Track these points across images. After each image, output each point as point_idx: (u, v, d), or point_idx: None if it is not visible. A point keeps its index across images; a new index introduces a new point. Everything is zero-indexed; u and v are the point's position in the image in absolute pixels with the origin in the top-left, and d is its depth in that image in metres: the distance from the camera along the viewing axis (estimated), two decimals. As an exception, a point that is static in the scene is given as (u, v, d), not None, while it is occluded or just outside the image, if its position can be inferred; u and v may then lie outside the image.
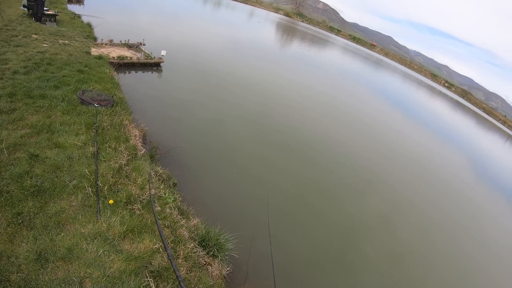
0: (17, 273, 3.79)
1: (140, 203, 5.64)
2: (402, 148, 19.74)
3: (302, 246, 7.96)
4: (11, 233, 4.26)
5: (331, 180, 11.89)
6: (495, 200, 19.29)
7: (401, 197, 13.01)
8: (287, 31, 70.72)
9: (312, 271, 7.30)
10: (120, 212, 5.20)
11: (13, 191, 4.87)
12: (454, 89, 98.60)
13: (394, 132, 22.81)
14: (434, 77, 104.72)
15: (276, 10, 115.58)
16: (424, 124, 30.21)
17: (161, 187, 6.55)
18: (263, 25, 66.67)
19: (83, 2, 27.99)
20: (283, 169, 11.21)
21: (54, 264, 4.01)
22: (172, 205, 6.15)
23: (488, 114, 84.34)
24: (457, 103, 71.65)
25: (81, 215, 4.88)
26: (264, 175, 10.31)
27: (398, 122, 26.58)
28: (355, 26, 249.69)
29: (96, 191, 5.39)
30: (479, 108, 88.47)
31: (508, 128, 74.34)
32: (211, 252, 5.55)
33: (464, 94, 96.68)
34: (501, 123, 78.22)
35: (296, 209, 9.32)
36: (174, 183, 7.76)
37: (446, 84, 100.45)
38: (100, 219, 4.91)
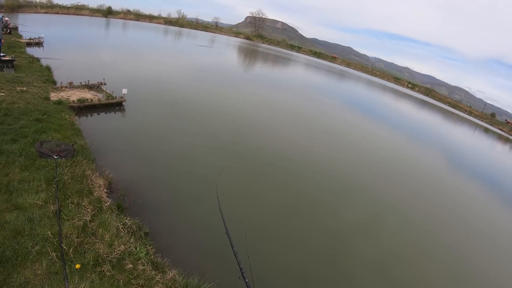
0: None
1: (110, 263, 5.51)
2: (377, 152, 20.65)
3: (292, 266, 8.07)
4: (-28, 315, 4.07)
5: (312, 196, 12.11)
6: (473, 188, 20.46)
7: (387, 196, 13.76)
8: (249, 54, 72.44)
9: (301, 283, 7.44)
10: (89, 277, 5.06)
11: (-28, 265, 4.68)
12: (417, 88, 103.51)
13: (367, 138, 23.82)
14: (397, 80, 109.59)
15: (237, 34, 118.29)
16: (394, 127, 31.66)
17: (131, 241, 6.39)
18: (225, 50, 67.98)
19: (42, 45, 27.69)
20: (260, 195, 11.32)
21: None
22: (145, 259, 5.99)
23: (453, 107, 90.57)
24: (423, 102, 75.27)
25: (48, 285, 4.71)
26: (242, 205, 10.31)
27: (368, 128, 27.72)
28: (315, 41, 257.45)
29: (61, 256, 5.24)
30: (445, 103, 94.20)
31: (475, 118, 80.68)
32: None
33: (428, 92, 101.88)
34: (468, 114, 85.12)
35: (278, 224, 9.56)
36: (145, 233, 7.55)
37: (410, 85, 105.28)
38: (69, 287, 4.75)
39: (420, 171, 19.39)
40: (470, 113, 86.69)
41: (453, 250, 11.39)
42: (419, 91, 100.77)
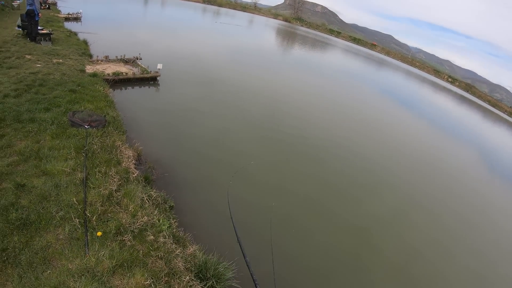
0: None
1: (131, 233, 5.50)
2: (410, 145, 19.78)
3: (312, 256, 7.83)
4: (-5, 272, 4.15)
5: (341, 185, 11.79)
6: (507, 192, 19.26)
7: (416, 192, 13.14)
8: (288, 37, 71.33)
9: (325, 282, 7.13)
10: (110, 245, 5.06)
11: (-3, 226, 4.77)
12: (457, 83, 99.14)
13: (401, 130, 22.91)
14: (437, 72, 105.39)
15: (275, 16, 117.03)
16: (430, 121, 30.27)
17: (155, 213, 6.37)
18: (264, 32, 67.15)
19: (80, 20, 28.28)
20: (291, 178, 11.14)
21: (38, 306, 3.89)
22: (166, 232, 5.96)
23: (493, 106, 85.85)
24: (462, 98, 71.97)
25: (68, 250, 4.75)
26: (268, 190, 10.13)
27: (404, 120, 26.64)
28: (354, 27, 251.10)
29: (84, 223, 5.27)
30: (484, 101, 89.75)
31: None
32: (209, 284, 5.33)
33: (468, 88, 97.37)
34: (508, 115, 79.64)
35: (304, 219, 9.19)
36: (170, 206, 7.57)
37: (450, 79, 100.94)
38: (88, 253, 4.77)
39: (453, 168, 18.44)
40: (510, 114, 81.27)
41: (480, 253, 10.69)
42: (459, 86, 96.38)
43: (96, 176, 6.62)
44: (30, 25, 16.09)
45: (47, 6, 29.41)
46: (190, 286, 5.03)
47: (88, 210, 5.56)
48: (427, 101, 43.43)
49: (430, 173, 15.84)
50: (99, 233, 5.17)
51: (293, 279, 6.94)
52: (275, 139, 13.76)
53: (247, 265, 4.95)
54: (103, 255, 4.81)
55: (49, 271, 4.35)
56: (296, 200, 9.84)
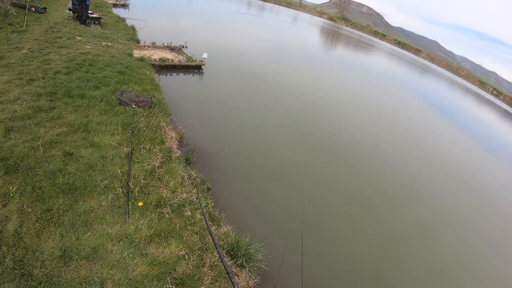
0: (40, 268, 3.90)
1: (170, 207, 5.65)
2: (448, 157, 18.71)
3: (337, 258, 7.64)
4: (39, 228, 4.40)
5: (373, 190, 11.35)
6: None
7: (446, 209, 12.29)
8: (331, 36, 70.19)
9: (346, 285, 7.01)
10: (149, 215, 5.22)
11: (45, 188, 5.05)
12: (502, 97, 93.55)
13: (440, 141, 21.69)
14: (481, 84, 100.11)
15: (320, 14, 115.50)
16: (471, 134, 28.65)
17: (193, 191, 6.51)
18: (307, 29, 66.69)
19: (128, 7, 29.23)
20: (322, 178, 10.91)
21: (78, 262, 4.08)
22: (204, 210, 6.09)
23: None
24: (506, 112, 67.81)
25: (110, 216, 4.95)
26: (302, 183, 10.02)
27: (443, 130, 25.34)
28: (400, 30, 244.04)
29: (127, 192, 5.47)
30: None
31: None
32: (239, 262, 5.41)
33: None
34: None
35: (333, 219, 8.98)
36: (208, 188, 7.71)
37: (494, 92, 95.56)
38: (128, 221, 4.95)
39: (489, 189, 17.41)
40: None
41: (508, 280, 10.09)
42: (503, 100, 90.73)
43: (141, 152, 6.86)
44: (81, 8, 16.87)
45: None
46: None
47: (131, 182, 5.76)
48: (469, 114, 41.43)
49: (465, 189, 15.04)
50: (140, 203, 5.34)
51: (316, 277, 6.87)
52: (310, 139, 13.53)
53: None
54: (142, 224, 4.98)
55: (89, 233, 4.56)
56: (325, 203, 9.64)
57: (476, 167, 19.66)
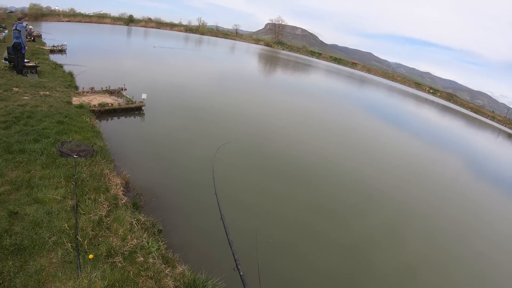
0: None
1: (122, 255, 5.80)
2: (397, 159, 20.32)
3: (306, 275, 8.01)
4: (-10, 295, 4.42)
5: (331, 203, 12.03)
6: (499, 194, 19.97)
7: (404, 208, 13.40)
8: (270, 61, 72.94)
9: None
10: (101, 267, 5.36)
11: (-8, 251, 5.06)
12: (439, 94, 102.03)
13: (387, 144, 23.50)
14: (418, 85, 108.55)
15: (256, 41, 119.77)
16: (415, 133, 31.26)
17: (144, 236, 6.69)
18: (245, 57, 68.63)
19: (65, 52, 28.90)
20: (277, 198, 11.39)
21: (33, 324, 4.15)
22: (156, 253, 6.28)
23: (476, 112, 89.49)
24: (444, 107, 73.94)
25: (61, 272, 5.03)
26: (258, 206, 10.48)
27: (389, 134, 27.39)
28: (334, 47, 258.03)
29: (76, 246, 5.57)
30: (467, 108, 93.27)
31: (497, 123, 79.19)
32: (198, 301, 5.63)
33: (450, 97, 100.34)
34: (490, 119, 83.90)
35: (295, 238, 9.42)
36: (159, 230, 7.85)
37: (431, 91, 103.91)
38: (81, 275, 5.06)
39: (442, 177, 19.08)
40: (493, 118, 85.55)
41: (479, 259, 11.18)
42: (440, 97, 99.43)
43: (86, 202, 6.94)
44: (16, 58, 16.59)
45: (32, 38, 30.08)
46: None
47: (79, 235, 5.86)
48: (410, 114, 44.69)
49: (419, 185, 16.31)
50: (90, 256, 5.47)
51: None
52: (262, 161, 14.15)
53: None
54: (95, 277, 5.09)
55: (43, 294, 4.63)
56: (285, 221, 10.09)
57: (424, 163, 21.30)
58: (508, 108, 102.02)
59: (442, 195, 15.98)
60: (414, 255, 10.22)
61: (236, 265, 5.18)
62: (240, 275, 4.99)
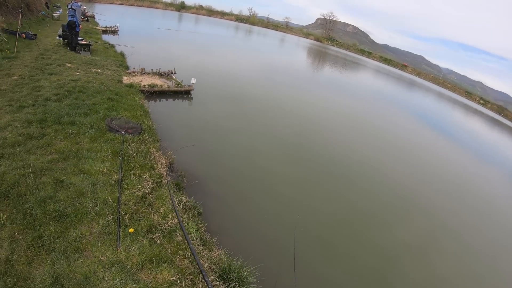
0: (32, 296, 3.93)
1: (161, 233, 5.73)
2: (443, 167, 19.24)
3: (337, 274, 7.73)
4: (30, 256, 4.45)
5: (369, 207, 11.47)
6: None
7: (447, 217, 12.65)
8: (319, 56, 71.86)
9: None
10: (140, 241, 5.30)
11: (36, 215, 5.12)
12: (489, 105, 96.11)
13: (432, 154, 22.18)
14: (468, 94, 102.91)
15: (307, 35, 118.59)
16: (462, 144, 29.35)
17: (185, 216, 6.62)
18: (295, 51, 68.14)
19: (117, 33, 29.77)
20: (317, 196, 11.06)
21: (70, 290, 4.12)
22: (195, 235, 6.19)
23: None
24: (494, 120, 69.25)
25: (101, 242, 5.02)
26: (297, 202, 10.20)
27: (435, 143, 25.91)
28: (385, 47, 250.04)
29: (117, 219, 5.55)
30: None
31: None
32: (232, 286, 5.47)
33: (501, 110, 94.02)
34: None
35: (330, 236, 9.08)
36: (199, 212, 7.80)
37: (481, 101, 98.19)
38: (120, 247, 5.02)
39: (487, 195, 17.85)
40: None
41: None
42: (491, 108, 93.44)
43: (131, 178, 6.96)
44: (71, 35, 17.21)
45: (86, 18, 31.27)
46: (214, 285, 5.17)
47: (122, 208, 5.85)
48: (459, 124, 42.47)
49: (461, 200, 15.34)
50: (131, 230, 5.42)
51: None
52: (304, 159, 13.77)
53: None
54: (133, 250, 5.04)
55: (81, 260, 4.61)
56: (323, 218, 9.79)
57: (472, 174, 20.18)
58: None
59: (485, 212, 14.69)
60: (451, 267, 9.51)
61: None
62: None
